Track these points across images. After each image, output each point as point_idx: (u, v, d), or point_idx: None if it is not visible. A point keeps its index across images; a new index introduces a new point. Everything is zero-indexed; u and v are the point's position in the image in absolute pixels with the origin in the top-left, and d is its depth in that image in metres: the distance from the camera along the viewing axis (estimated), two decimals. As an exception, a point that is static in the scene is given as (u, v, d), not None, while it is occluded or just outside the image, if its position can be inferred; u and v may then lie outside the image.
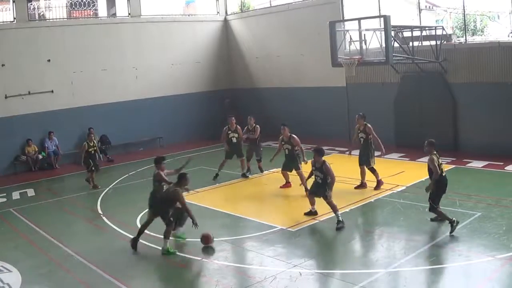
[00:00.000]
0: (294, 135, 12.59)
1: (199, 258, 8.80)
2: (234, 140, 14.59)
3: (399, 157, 15.81)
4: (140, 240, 9.75)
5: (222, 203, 12.06)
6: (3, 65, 17.45)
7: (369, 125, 12.32)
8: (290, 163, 12.66)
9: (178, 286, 8.07)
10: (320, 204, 11.49)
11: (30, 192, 14.61)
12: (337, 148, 17.34)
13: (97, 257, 9.04)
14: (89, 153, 14.22)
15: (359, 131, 12.45)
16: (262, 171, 14.83)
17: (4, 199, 13.97)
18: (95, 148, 14.47)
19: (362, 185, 12.44)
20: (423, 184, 11.75)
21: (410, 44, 15.38)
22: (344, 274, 7.87)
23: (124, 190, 14.39)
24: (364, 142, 12.32)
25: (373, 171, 12.34)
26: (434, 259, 7.99)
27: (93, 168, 14.30)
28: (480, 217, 9.72)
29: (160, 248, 9.12)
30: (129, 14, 20.44)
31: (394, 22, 14.22)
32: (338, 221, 9.69)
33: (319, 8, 19.03)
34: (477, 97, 15.29)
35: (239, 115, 22.52)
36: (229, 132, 14.65)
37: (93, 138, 14.46)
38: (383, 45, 14.15)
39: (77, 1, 19.16)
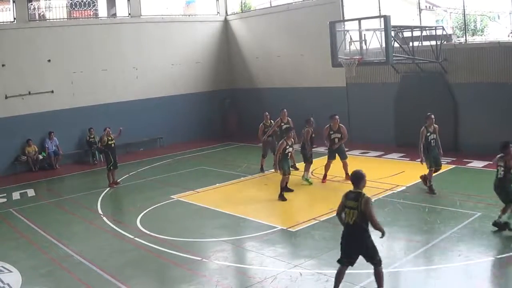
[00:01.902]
0: (342, 125, 13.27)
1: (199, 258, 8.80)
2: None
3: (399, 157, 15.81)
4: (140, 240, 9.80)
5: (222, 203, 12.05)
6: (3, 65, 17.45)
7: (435, 125, 11.81)
8: (340, 152, 13.24)
9: (178, 286, 8.06)
10: (320, 205, 11.52)
11: (31, 193, 14.60)
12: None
13: (97, 257, 9.05)
14: (109, 146, 14.27)
15: (428, 133, 11.60)
16: (263, 170, 14.89)
17: (5, 199, 13.96)
18: (114, 141, 14.44)
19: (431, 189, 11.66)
20: (423, 185, 11.80)
21: (410, 44, 15.37)
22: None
23: (124, 190, 14.39)
24: (436, 143, 11.70)
25: (435, 171, 11.75)
26: (434, 259, 7.99)
27: (111, 167, 14.36)
28: (480, 217, 9.70)
29: (160, 248, 9.25)
30: (129, 14, 20.44)
31: (394, 22, 14.21)
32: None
33: (319, 8, 19.02)
34: (477, 97, 15.27)
35: (239, 115, 22.85)
36: (282, 124, 14.55)
37: (110, 133, 14.40)
38: (383, 45, 14.13)
39: (77, 1, 19.15)
